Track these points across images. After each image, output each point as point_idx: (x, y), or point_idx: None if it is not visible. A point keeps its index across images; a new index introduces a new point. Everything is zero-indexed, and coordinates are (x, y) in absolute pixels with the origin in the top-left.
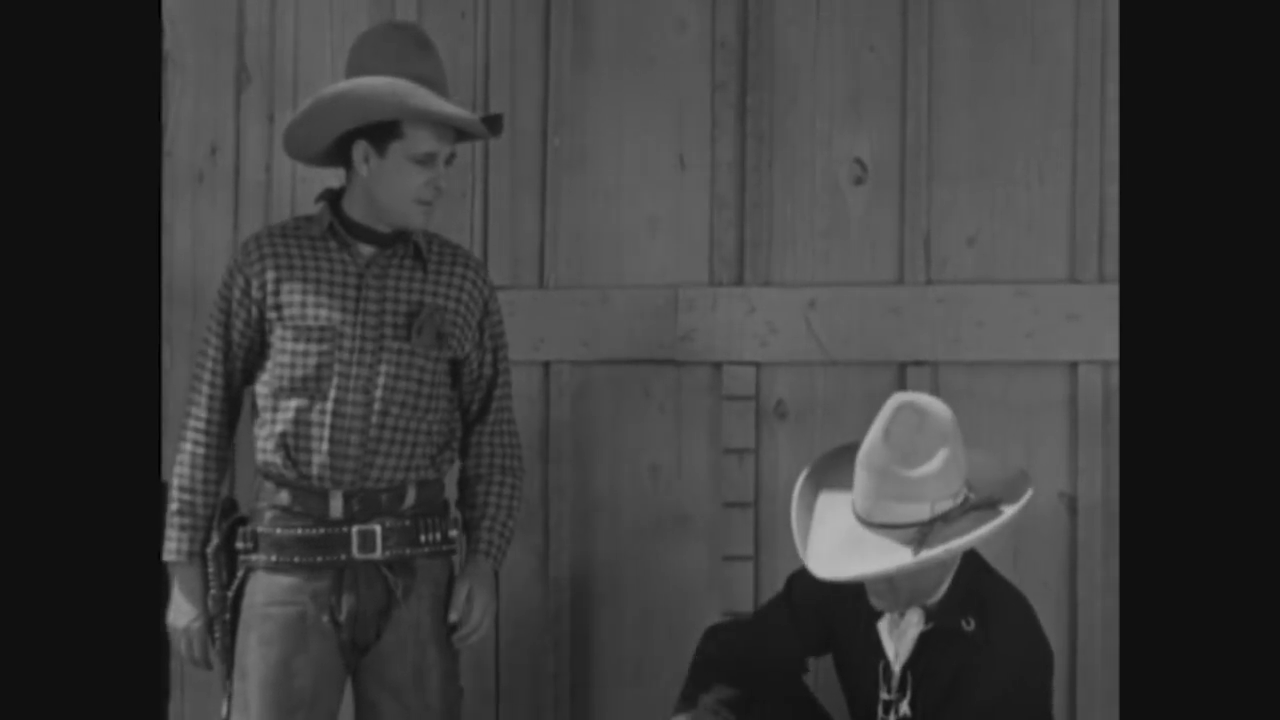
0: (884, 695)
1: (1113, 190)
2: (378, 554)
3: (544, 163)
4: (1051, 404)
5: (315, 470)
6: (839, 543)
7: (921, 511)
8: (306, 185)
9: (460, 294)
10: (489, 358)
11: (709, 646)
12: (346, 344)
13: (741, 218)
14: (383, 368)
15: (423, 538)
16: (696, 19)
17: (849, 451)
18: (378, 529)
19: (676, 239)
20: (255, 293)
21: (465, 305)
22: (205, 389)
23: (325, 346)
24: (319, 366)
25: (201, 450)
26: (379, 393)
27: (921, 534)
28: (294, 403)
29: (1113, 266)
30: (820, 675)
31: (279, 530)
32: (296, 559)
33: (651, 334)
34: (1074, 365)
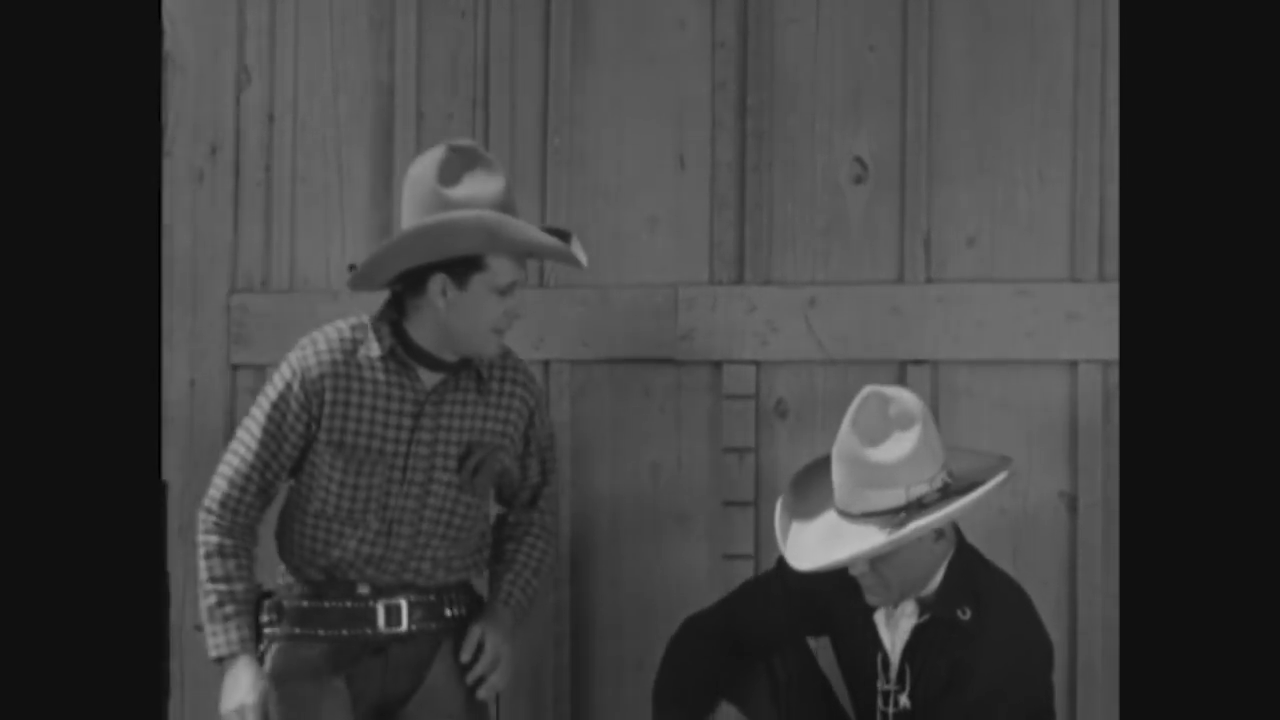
0: (883, 686)
1: (1113, 190)
2: (403, 628)
3: (544, 162)
4: (1051, 403)
5: (351, 579)
6: (819, 536)
7: (897, 497)
8: (307, 186)
9: (509, 413)
10: (535, 465)
11: (683, 636)
12: (396, 475)
13: (741, 217)
14: (430, 500)
15: (448, 612)
16: (696, 19)
17: (829, 463)
18: (403, 603)
19: (676, 238)
20: (314, 409)
21: (514, 425)
22: (239, 484)
23: (376, 479)
24: (367, 500)
25: (230, 543)
26: (424, 525)
27: (898, 519)
28: (336, 527)
29: (1113, 266)
30: (822, 662)
31: (305, 604)
32: (321, 632)
33: (652, 333)
34: (1074, 364)
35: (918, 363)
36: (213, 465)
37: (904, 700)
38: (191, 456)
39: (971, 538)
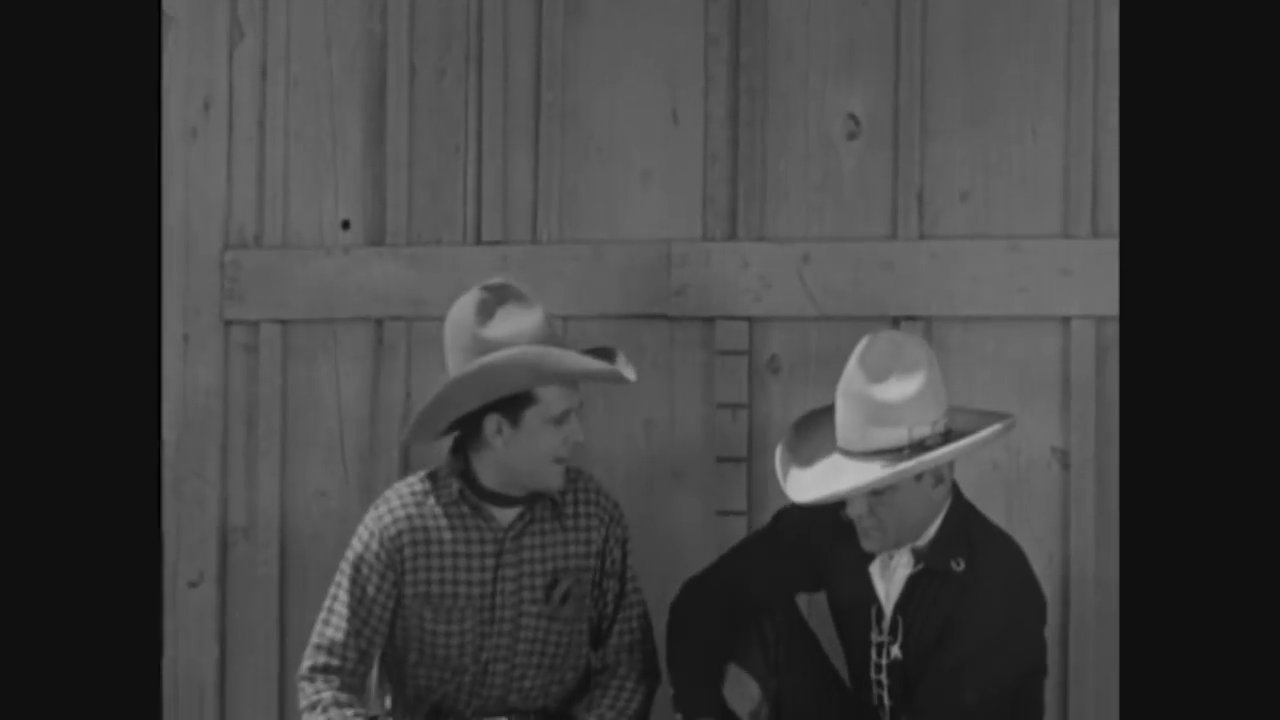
0: (875, 638)
1: (1106, 145)
2: None
3: (537, 118)
4: (1045, 359)
5: (458, 709)
6: (820, 472)
7: (899, 436)
8: (300, 141)
9: (590, 534)
10: (614, 585)
11: (683, 602)
12: (486, 615)
13: (734, 172)
14: (522, 634)
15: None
16: None
17: (833, 410)
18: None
19: (669, 194)
20: (397, 566)
21: (594, 546)
22: (338, 654)
23: (467, 624)
24: (461, 645)
25: (345, 697)
26: (518, 659)
27: (900, 457)
28: (436, 673)
29: (1106, 221)
30: (812, 620)
31: None
32: None
33: (644, 289)
34: (1067, 320)
35: (911, 318)
36: (206, 421)
37: (896, 651)
38: (185, 414)
39: (965, 492)
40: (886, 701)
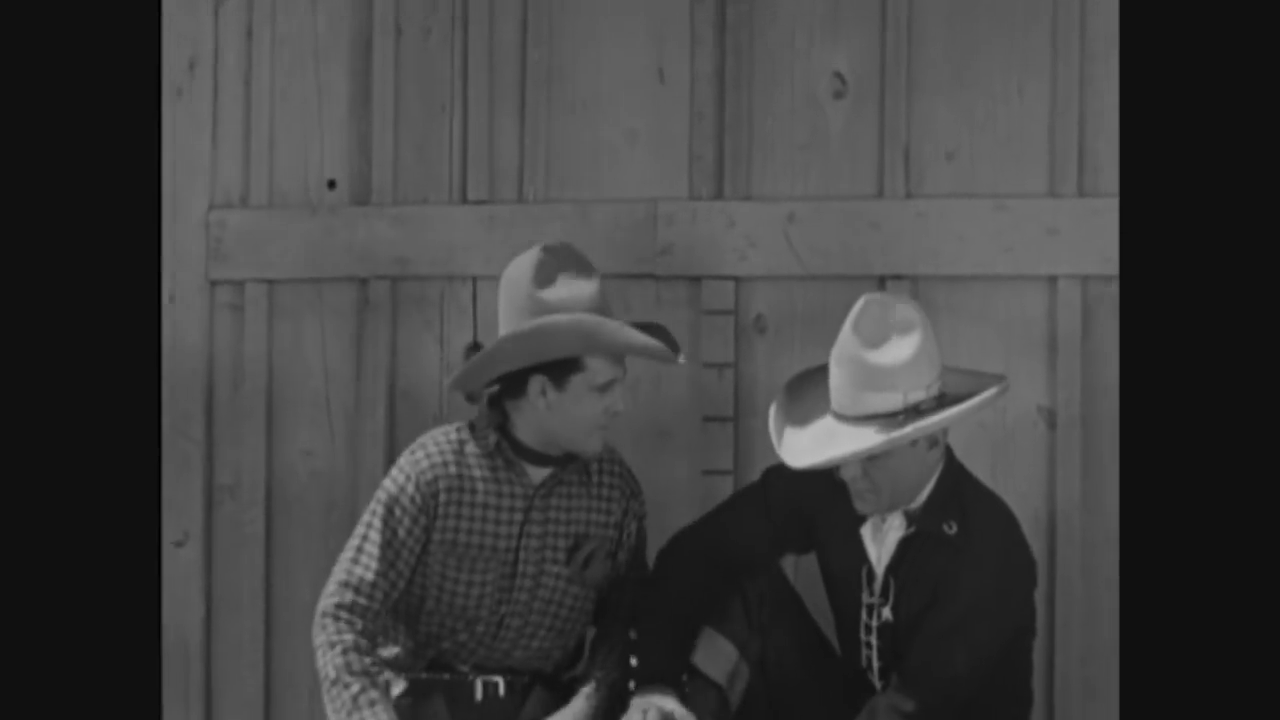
0: (866, 599)
1: (1093, 103)
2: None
3: (523, 76)
4: (1030, 318)
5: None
6: (814, 437)
7: (894, 401)
8: (285, 101)
9: (611, 504)
10: (625, 558)
11: (668, 553)
12: (508, 569)
13: (721, 131)
14: (541, 592)
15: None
16: None
17: (825, 370)
18: (500, 682)
19: (655, 153)
20: (431, 511)
21: (615, 517)
22: (365, 592)
23: (490, 575)
24: (480, 596)
25: (366, 643)
26: (533, 616)
27: (895, 423)
28: (450, 623)
29: (1092, 181)
30: (800, 582)
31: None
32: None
33: (630, 248)
34: (1053, 279)
35: (897, 278)
36: (192, 381)
37: (887, 613)
38: (171, 374)
39: (953, 452)
40: (876, 663)
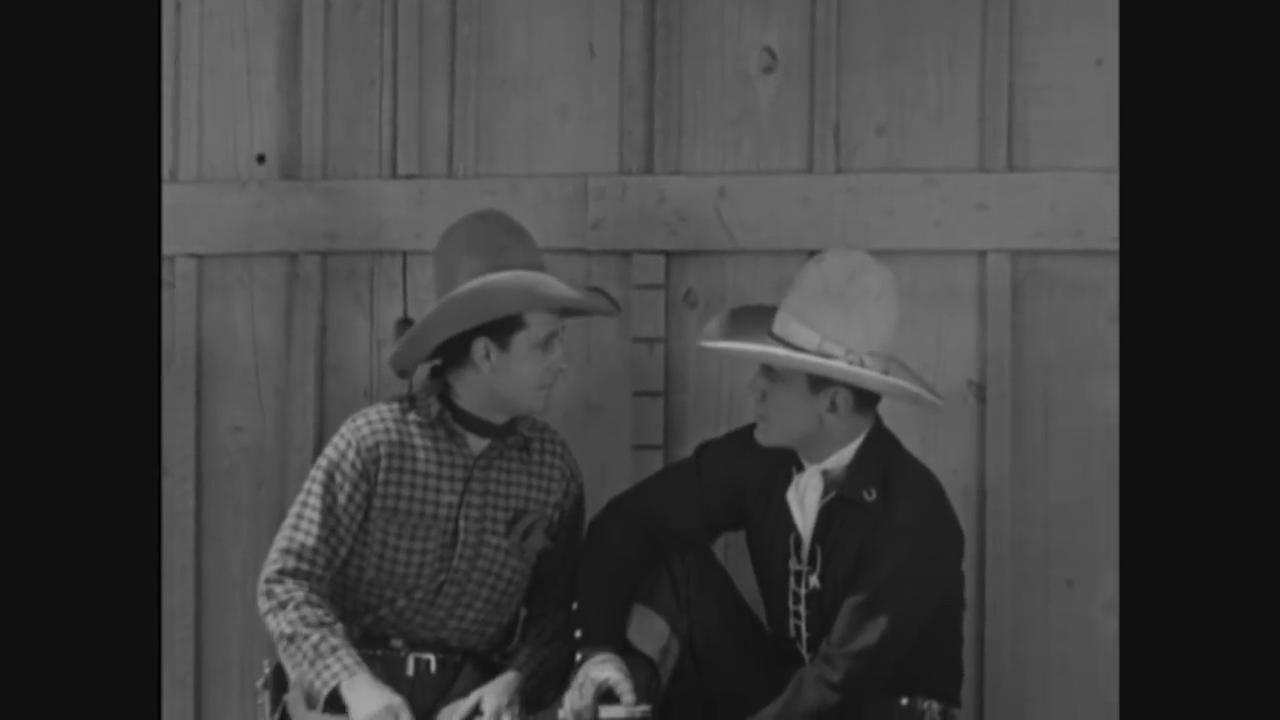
0: (794, 566)
1: (1022, 78)
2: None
3: (453, 51)
4: (960, 293)
5: (388, 635)
6: (732, 337)
7: (810, 339)
8: (214, 75)
9: (550, 482)
10: (563, 538)
11: (602, 521)
12: (448, 539)
13: (651, 106)
14: (480, 562)
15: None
16: None
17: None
18: (432, 659)
19: (586, 128)
20: (371, 477)
21: (554, 494)
22: (307, 558)
23: (430, 544)
24: (420, 565)
25: (316, 598)
26: (470, 586)
27: (796, 354)
28: (388, 593)
29: (1021, 155)
30: (731, 558)
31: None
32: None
33: (561, 223)
34: (983, 254)
35: None
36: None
37: (814, 581)
38: None
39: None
40: (804, 633)
